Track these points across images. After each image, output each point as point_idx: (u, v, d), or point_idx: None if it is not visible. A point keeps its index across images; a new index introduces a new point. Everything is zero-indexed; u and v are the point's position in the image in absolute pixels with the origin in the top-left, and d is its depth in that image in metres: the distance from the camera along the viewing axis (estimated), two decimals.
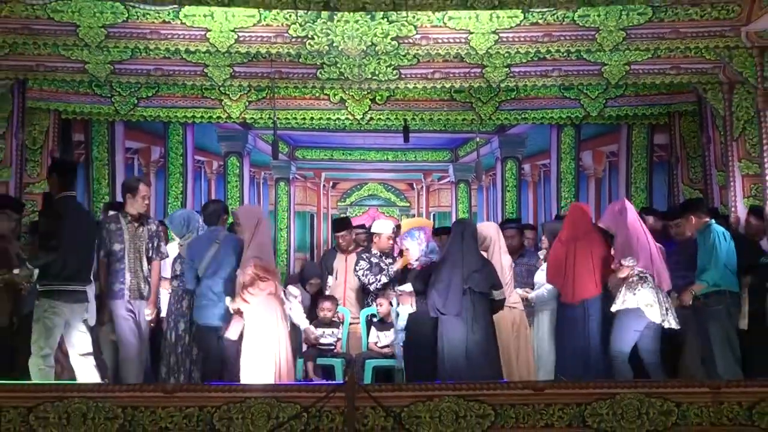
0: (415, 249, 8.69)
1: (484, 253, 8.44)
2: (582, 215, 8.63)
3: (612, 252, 8.28)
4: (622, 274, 7.99)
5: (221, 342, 8.32)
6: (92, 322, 8.17)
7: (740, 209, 9.14)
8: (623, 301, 7.96)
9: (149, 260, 8.48)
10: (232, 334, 8.10)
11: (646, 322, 7.96)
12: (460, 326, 7.98)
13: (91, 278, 8.05)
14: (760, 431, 6.95)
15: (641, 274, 7.98)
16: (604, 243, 8.46)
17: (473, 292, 8.03)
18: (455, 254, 8.17)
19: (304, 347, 9.61)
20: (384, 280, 9.55)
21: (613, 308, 8.03)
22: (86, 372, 7.82)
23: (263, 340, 7.85)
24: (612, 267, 8.17)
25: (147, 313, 8.44)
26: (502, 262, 8.59)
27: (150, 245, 8.48)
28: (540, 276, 9.10)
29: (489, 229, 8.96)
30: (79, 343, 7.83)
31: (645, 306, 7.89)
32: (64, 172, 8.03)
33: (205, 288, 8.51)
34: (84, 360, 7.84)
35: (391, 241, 9.86)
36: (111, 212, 8.81)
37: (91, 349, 7.90)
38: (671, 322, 7.98)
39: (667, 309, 8.00)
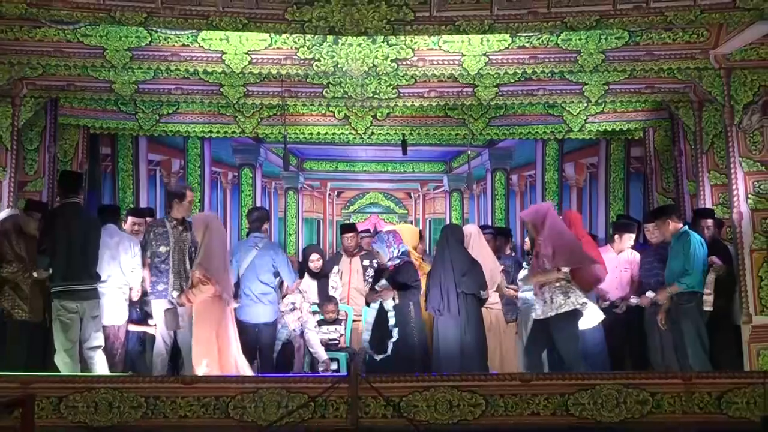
0: (384, 252, 8.63)
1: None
2: (580, 219, 8.57)
3: (536, 252, 7.93)
4: (551, 277, 7.67)
5: (259, 335, 8.77)
6: (106, 318, 8.17)
7: None
8: (559, 305, 7.58)
9: (192, 262, 8.37)
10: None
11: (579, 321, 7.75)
12: (455, 326, 7.98)
13: (100, 277, 8.07)
14: (728, 419, 6.95)
15: (567, 277, 7.72)
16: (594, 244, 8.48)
17: (465, 294, 8.02)
18: (445, 258, 8.19)
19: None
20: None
21: (545, 314, 7.65)
22: (96, 364, 7.84)
23: (209, 338, 7.86)
24: (535, 268, 7.87)
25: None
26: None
27: (193, 248, 8.37)
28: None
29: (469, 228, 8.97)
30: (89, 338, 7.86)
31: (581, 305, 7.64)
32: (64, 182, 8.23)
33: (245, 289, 8.78)
34: (93, 353, 7.87)
35: None
36: (154, 218, 8.82)
37: (100, 343, 7.91)
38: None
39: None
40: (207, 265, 7.92)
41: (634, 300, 8.57)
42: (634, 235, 9.12)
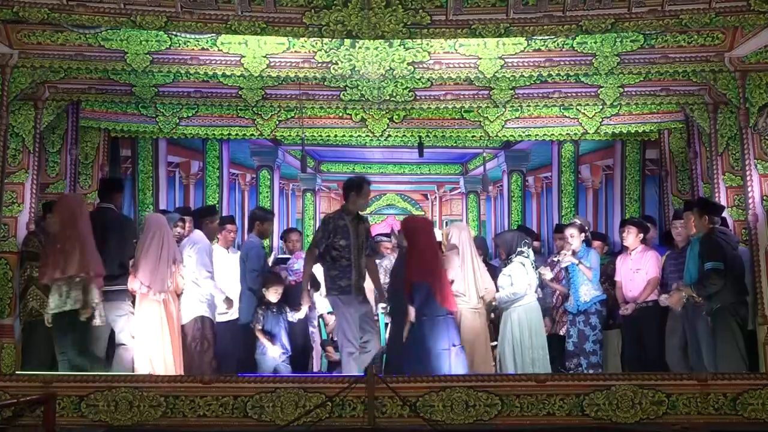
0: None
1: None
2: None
3: None
4: None
5: None
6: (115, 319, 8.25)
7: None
8: None
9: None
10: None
11: None
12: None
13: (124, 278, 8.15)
14: (743, 420, 6.92)
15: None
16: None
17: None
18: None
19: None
20: None
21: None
22: (119, 361, 7.93)
23: (145, 335, 8.04)
24: None
25: (382, 307, 8.60)
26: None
27: (366, 243, 8.18)
28: (503, 280, 9.00)
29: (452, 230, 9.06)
30: (115, 337, 7.95)
31: None
32: (99, 189, 8.86)
33: None
34: (117, 350, 7.96)
35: None
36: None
37: (124, 342, 7.98)
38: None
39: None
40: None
41: (664, 297, 8.57)
42: (632, 229, 9.29)
